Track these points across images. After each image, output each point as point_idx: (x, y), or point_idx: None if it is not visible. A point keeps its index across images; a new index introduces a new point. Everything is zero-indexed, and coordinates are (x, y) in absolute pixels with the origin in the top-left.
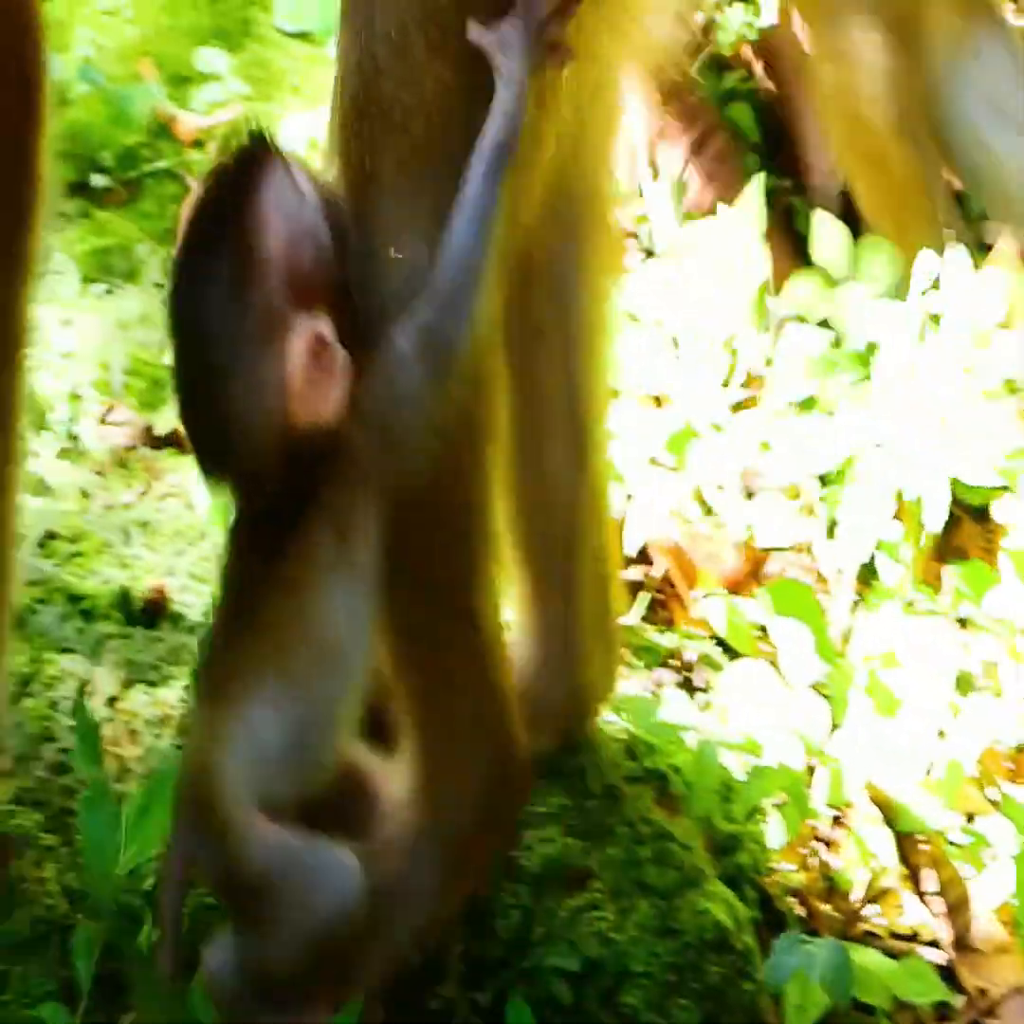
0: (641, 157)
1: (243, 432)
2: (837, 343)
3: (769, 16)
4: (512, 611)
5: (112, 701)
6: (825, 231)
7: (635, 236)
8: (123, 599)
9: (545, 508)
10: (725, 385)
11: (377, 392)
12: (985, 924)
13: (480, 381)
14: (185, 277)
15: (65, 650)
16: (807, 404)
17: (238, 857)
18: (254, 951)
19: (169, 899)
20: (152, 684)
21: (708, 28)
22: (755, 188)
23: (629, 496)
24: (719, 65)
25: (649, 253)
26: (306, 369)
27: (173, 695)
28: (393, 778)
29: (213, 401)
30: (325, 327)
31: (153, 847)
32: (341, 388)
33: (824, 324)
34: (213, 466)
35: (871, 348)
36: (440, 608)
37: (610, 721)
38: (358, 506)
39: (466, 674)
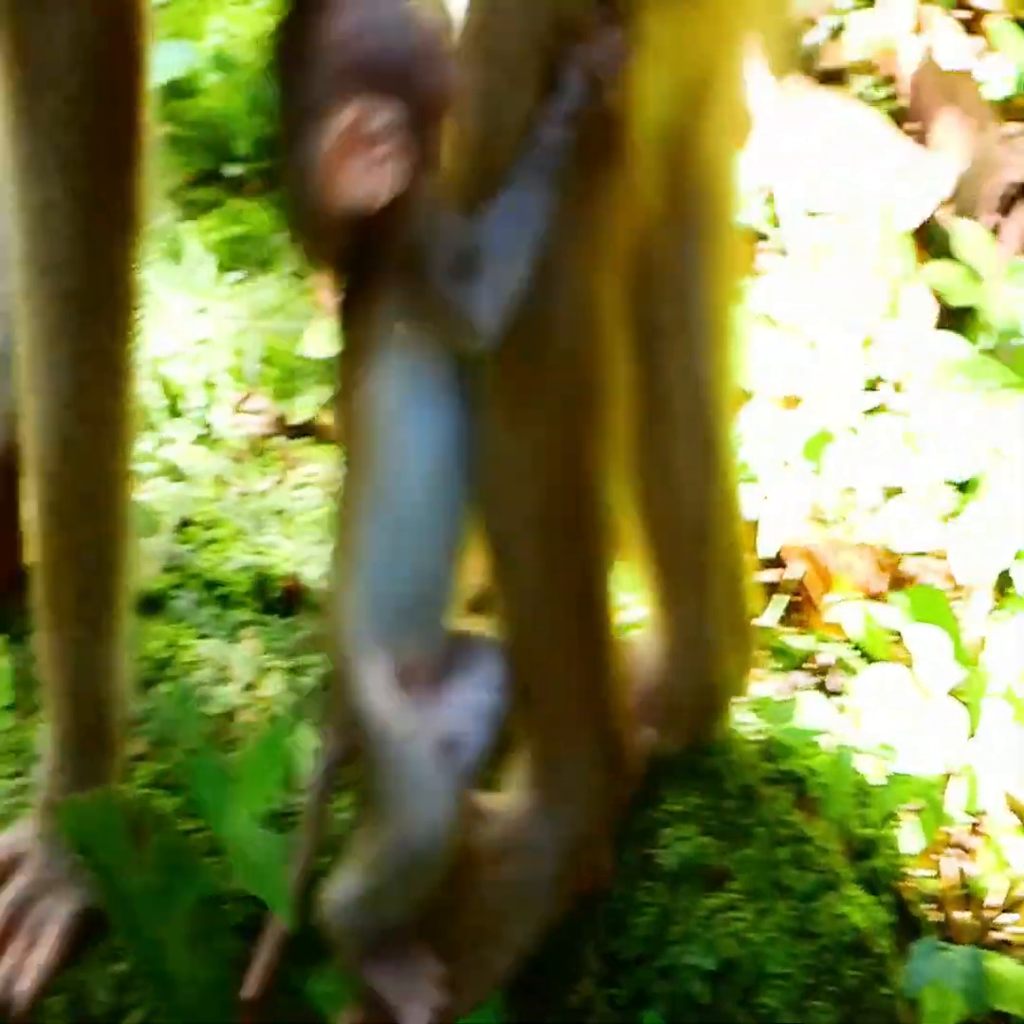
0: (772, 154)
1: (295, 205)
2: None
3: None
4: (644, 609)
5: (249, 687)
6: (967, 229)
7: (766, 237)
8: (259, 586)
9: (675, 507)
10: (862, 388)
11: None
12: None
13: (596, 382)
14: (273, 53)
15: (202, 636)
16: (946, 407)
17: (355, 713)
18: (360, 880)
19: (312, 805)
20: (289, 671)
21: (837, 32)
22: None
23: (764, 498)
24: (847, 70)
25: (783, 253)
26: (340, 147)
27: (309, 682)
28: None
29: (281, 173)
30: (381, 118)
31: (263, 803)
32: (385, 179)
33: (967, 325)
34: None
35: (1019, 353)
36: (556, 603)
37: (746, 722)
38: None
39: (580, 671)
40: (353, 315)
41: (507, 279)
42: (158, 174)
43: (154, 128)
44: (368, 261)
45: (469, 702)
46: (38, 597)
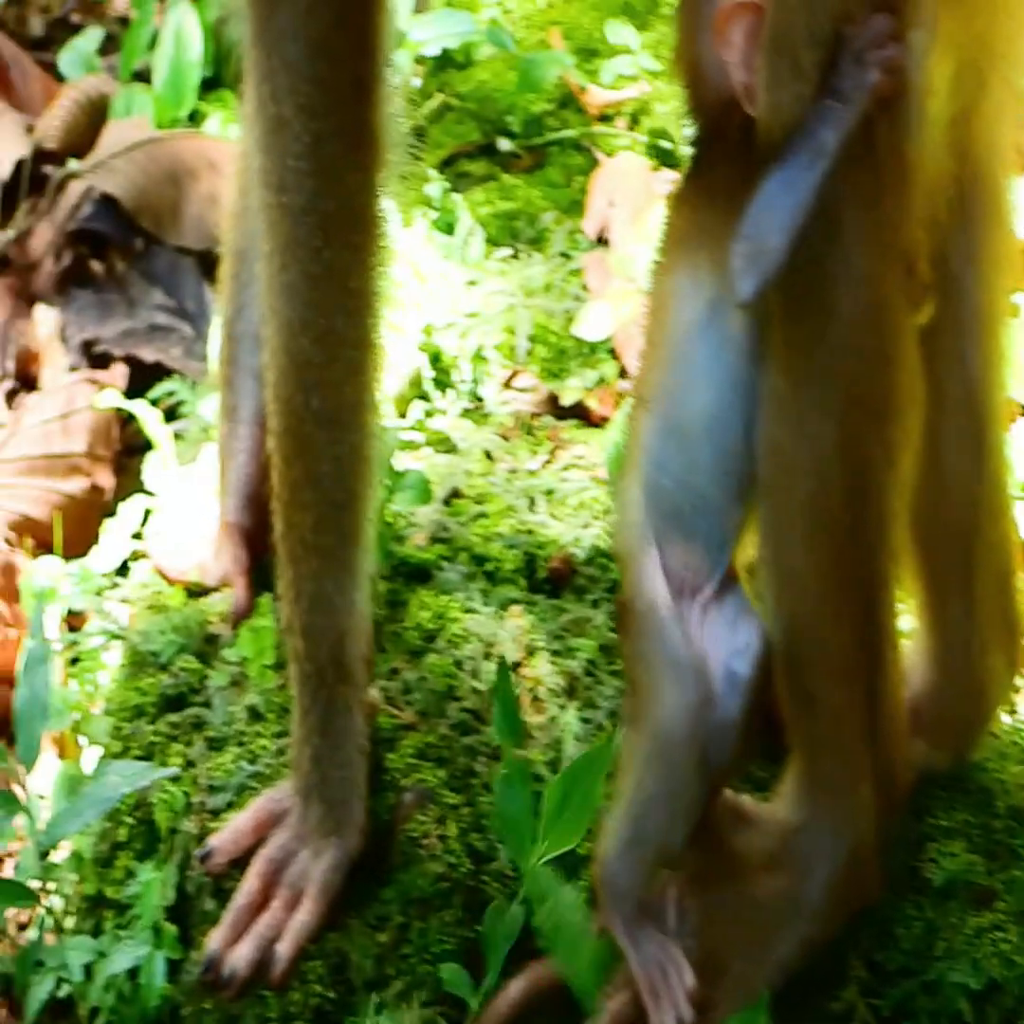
0: None
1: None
2: None
3: None
4: (909, 616)
5: (515, 666)
6: None
7: None
8: (527, 564)
9: (943, 504)
10: None
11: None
12: None
13: (882, 381)
14: None
15: (469, 611)
16: None
17: (628, 594)
18: (623, 812)
19: None
20: (556, 653)
21: None
22: None
23: None
24: None
25: None
26: (726, 30)
27: (577, 666)
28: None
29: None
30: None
31: (571, 841)
32: (744, 72)
33: None
34: None
35: None
36: (837, 615)
37: (1016, 741)
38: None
39: (862, 682)
40: (681, 202)
41: (765, 251)
42: (398, 106)
43: (390, 57)
44: (712, 161)
45: (728, 667)
46: (277, 530)
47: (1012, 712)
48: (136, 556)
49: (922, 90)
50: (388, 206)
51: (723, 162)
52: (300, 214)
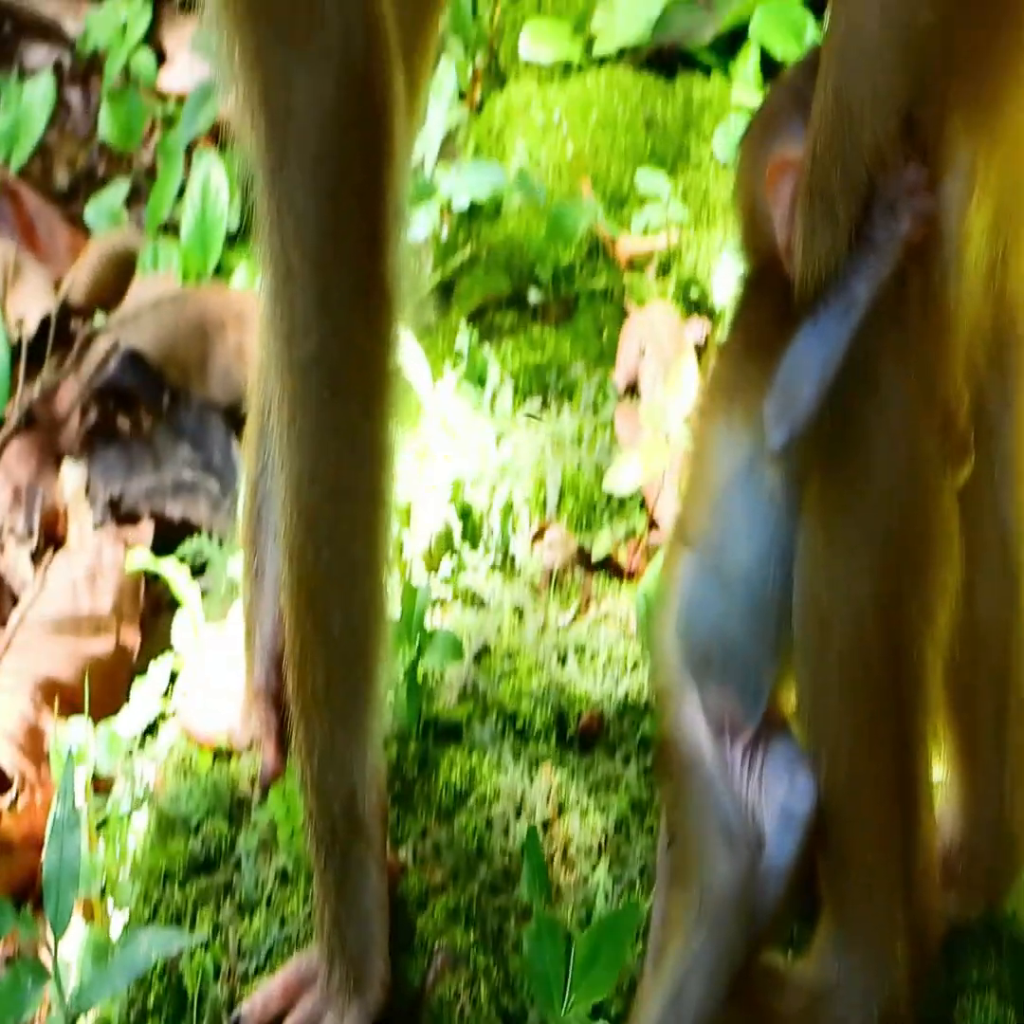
0: None
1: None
2: None
3: None
4: (940, 765)
5: (545, 825)
6: None
7: None
8: (558, 722)
9: (975, 648)
10: None
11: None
12: None
13: (919, 532)
14: None
15: (499, 769)
16: None
17: (667, 732)
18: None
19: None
20: (586, 811)
21: None
22: None
23: None
24: None
25: None
26: (775, 184)
27: (608, 824)
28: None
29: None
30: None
31: (601, 993)
32: (787, 230)
33: None
34: None
35: None
36: (874, 773)
37: None
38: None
39: (896, 837)
40: (726, 353)
41: (796, 403)
42: (411, 259)
43: (403, 206)
44: (757, 307)
45: (785, 808)
46: (289, 686)
47: None
48: (164, 717)
49: (959, 238)
50: (410, 359)
51: (767, 309)
52: (308, 365)
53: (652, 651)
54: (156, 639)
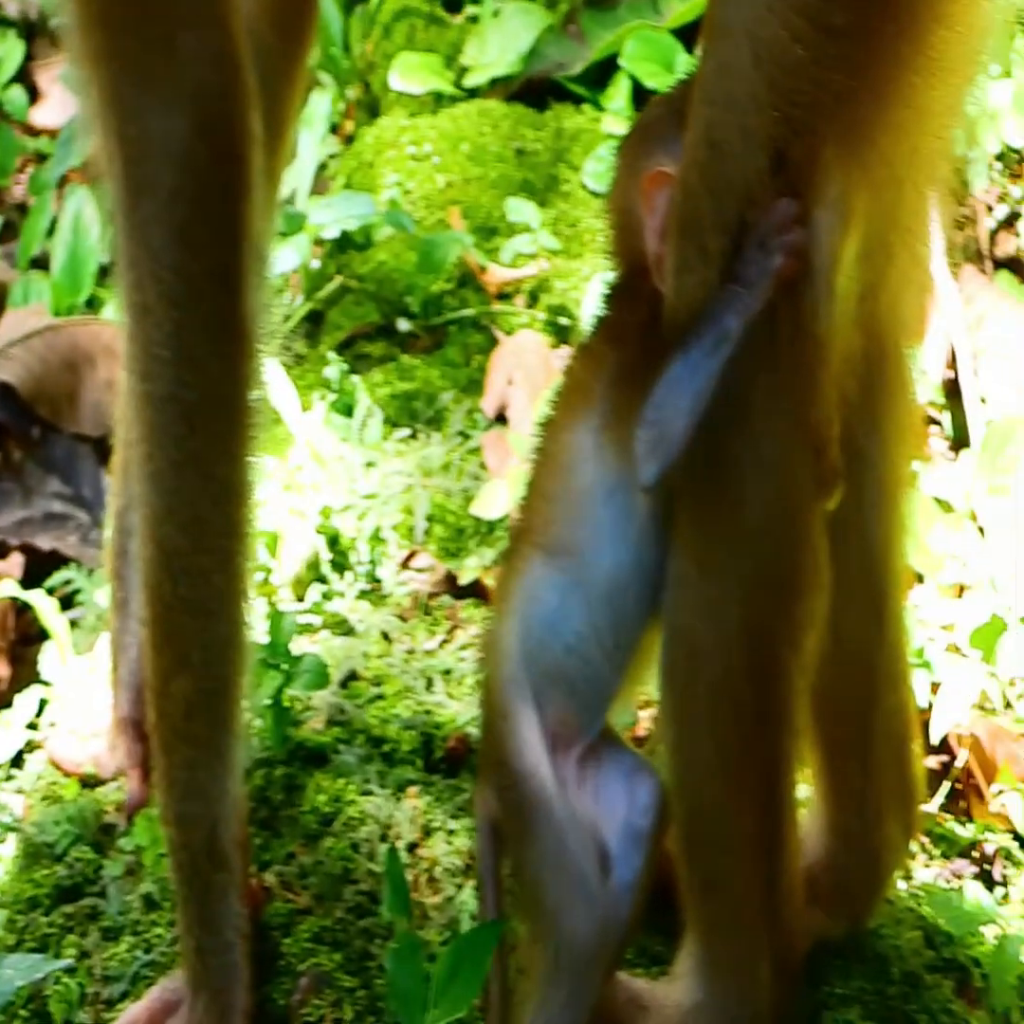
0: (959, 345)
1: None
2: None
3: None
4: (805, 784)
5: (412, 847)
6: None
7: (939, 424)
8: (424, 745)
9: (842, 672)
10: None
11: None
12: None
13: (791, 564)
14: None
15: (366, 793)
16: None
17: (505, 758)
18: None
19: (483, 844)
20: (452, 833)
21: (1012, 220)
22: None
23: (934, 685)
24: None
25: (960, 443)
26: (650, 194)
27: (473, 845)
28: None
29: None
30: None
31: (461, 1009)
32: (657, 241)
33: None
34: None
35: None
36: (741, 798)
37: (910, 909)
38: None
39: (761, 865)
40: (587, 356)
41: (668, 437)
42: (272, 296)
43: (262, 243)
44: (623, 313)
45: (621, 822)
46: (149, 718)
47: (907, 878)
48: (31, 746)
49: (830, 268)
50: (279, 390)
51: (633, 316)
52: (163, 402)
53: (486, 666)
54: (25, 669)
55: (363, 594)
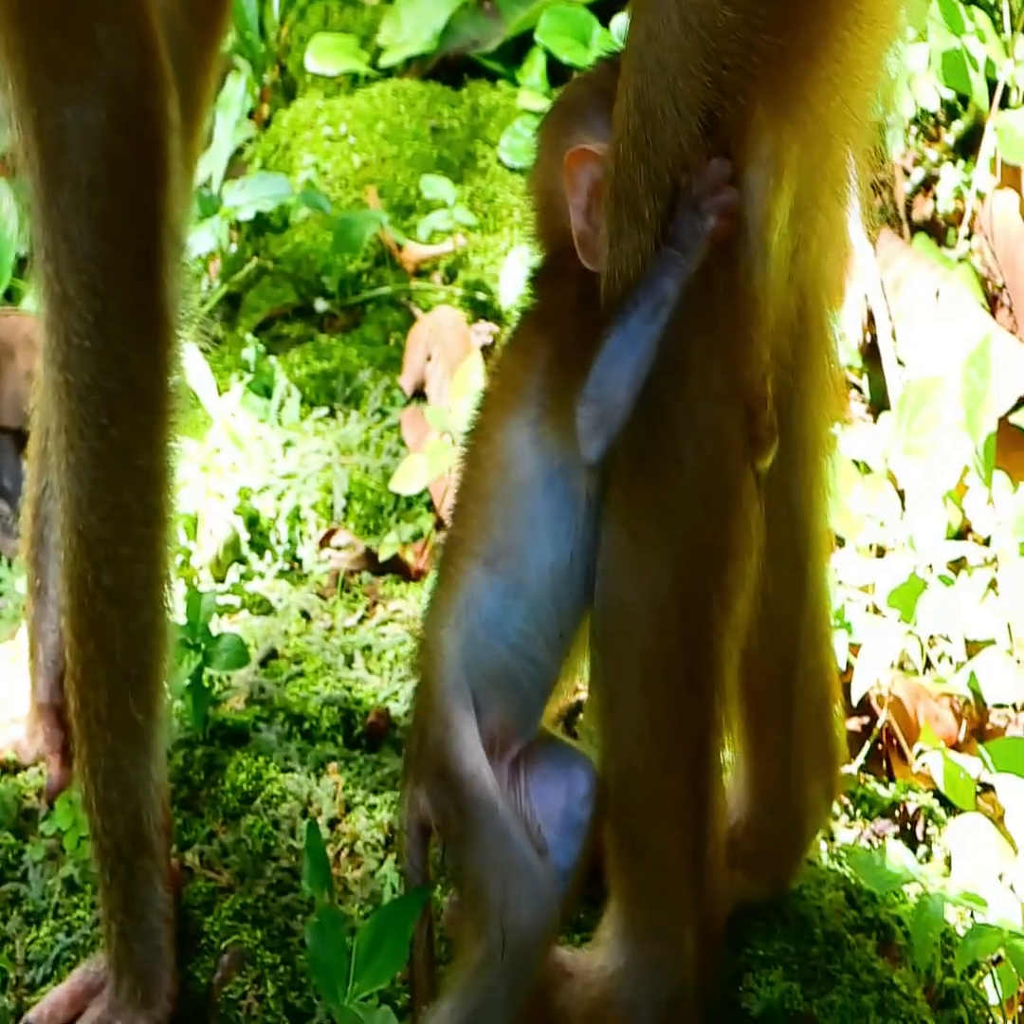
0: (877, 308)
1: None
2: None
3: (984, 179)
4: (731, 748)
5: (333, 823)
6: None
7: (858, 388)
8: (345, 721)
9: (764, 639)
10: (951, 539)
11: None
12: None
13: (723, 528)
14: None
15: (286, 770)
16: None
17: (444, 764)
18: (465, 1007)
19: (411, 847)
20: (373, 807)
21: (929, 184)
22: (983, 345)
23: (854, 646)
24: (944, 223)
25: (878, 406)
26: (573, 172)
27: (394, 819)
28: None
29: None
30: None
31: (384, 981)
32: (589, 227)
33: None
34: None
35: None
36: (671, 762)
37: (832, 869)
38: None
39: (688, 831)
40: (516, 349)
41: (611, 411)
42: (190, 282)
43: (180, 230)
44: (550, 300)
45: (560, 813)
46: (72, 707)
47: (829, 839)
48: None
49: (763, 226)
50: (196, 373)
51: (562, 300)
52: (85, 392)
53: (422, 676)
54: None
55: (283, 573)
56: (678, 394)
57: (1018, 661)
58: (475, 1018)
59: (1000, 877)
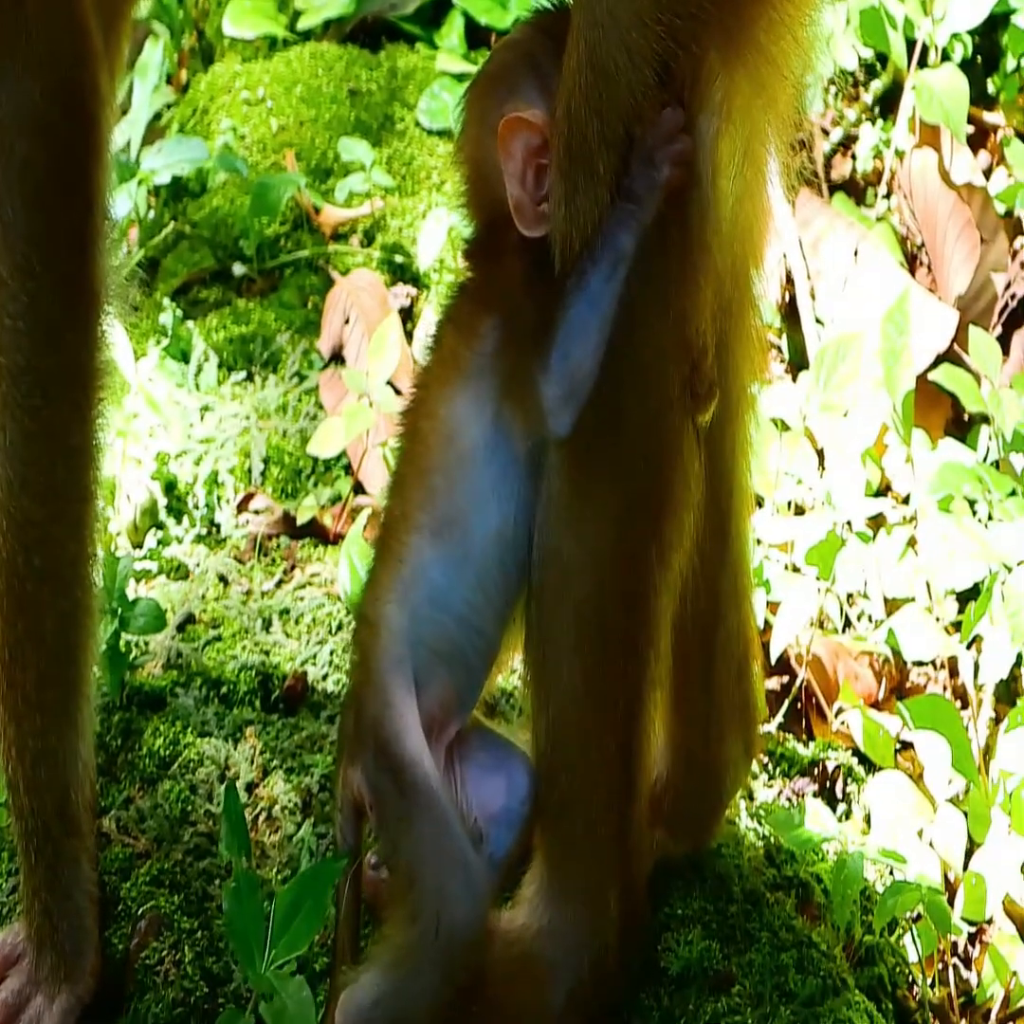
0: (795, 267)
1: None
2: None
3: (903, 138)
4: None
5: (250, 787)
6: (978, 339)
7: (778, 347)
8: (262, 686)
9: (686, 594)
10: (869, 496)
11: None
12: None
13: (664, 487)
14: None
15: (204, 735)
16: (952, 515)
17: (383, 744)
18: (389, 983)
19: (345, 825)
20: (291, 771)
21: (847, 144)
22: (901, 301)
23: (768, 604)
24: (863, 183)
25: (797, 366)
26: (506, 140)
27: (312, 782)
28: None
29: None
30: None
31: (301, 946)
32: (525, 193)
33: (974, 434)
34: None
35: None
36: (602, 719)
37: (750, 828)
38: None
39: (614, 791)
40: (455, 325)
41: (579, 380)
42: (117, 256)
43: (107, 209)
44: (486, 274)
45: (498, 808)
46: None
47: (749, 798)
48: None
49: (715, 173)
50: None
51: (501, 272)
52: (18, 374)
53: (359, 655)
54: None
55: (200, 538)
56: (626, 347)
57: (937, 618)
58: (399, 997)
59: (919, 834)
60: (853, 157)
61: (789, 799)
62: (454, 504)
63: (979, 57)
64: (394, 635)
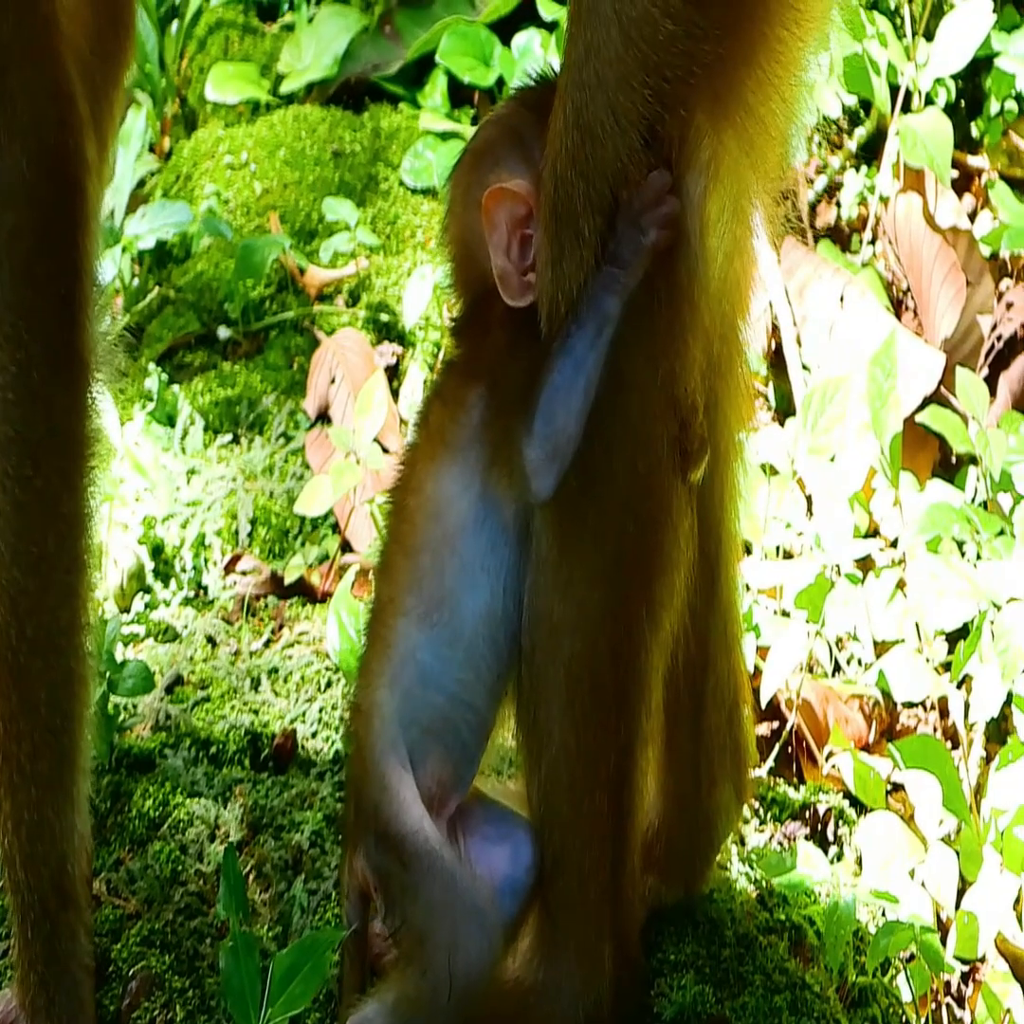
0: (781, 315)
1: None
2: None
3: (887, 184)
4: None
5: (240, 845)
6: (965, 380)
7: (764, 396)
8: (251, 745)
9: (676, 644)
10: (858, 539)
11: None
12: None
13: (652, 544)
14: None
15: (193, 795)
16: (941, 555)
17: (384, 826)
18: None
19: (351, 910)
20: (281, 829)
21: (832, 191)
22: (888, 344)
23: (758, 649)
24: (848, 229)
25: (784, 413)
26: (490, 211)
27: (302, 840)
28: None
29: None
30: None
31: (298, 1007)
32: (510, 264)
33: (961, 475)
34: None
35: (1018, 499)
36: (594, 776)
37: (743, 872)
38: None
39: (608, 849)
40: (442, 400)
41: (563, 443)
42: (107, 323)
43: (96, 275)
44: (474, 349)
45: (502, 877)
46: None
47: (740, 842)
48: None
49: (702, 232)
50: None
51: (487, 344)
52: (8, 444)
53: (355, 741)
54: None
55: (188, 601)
56: (613, 408)
57: (927, 660)
58: None
59: (911, 874)
60: (837, 204)
61: (781, 843)
62: (442, 584)
63: (963, 101)
64: (386, 719)
